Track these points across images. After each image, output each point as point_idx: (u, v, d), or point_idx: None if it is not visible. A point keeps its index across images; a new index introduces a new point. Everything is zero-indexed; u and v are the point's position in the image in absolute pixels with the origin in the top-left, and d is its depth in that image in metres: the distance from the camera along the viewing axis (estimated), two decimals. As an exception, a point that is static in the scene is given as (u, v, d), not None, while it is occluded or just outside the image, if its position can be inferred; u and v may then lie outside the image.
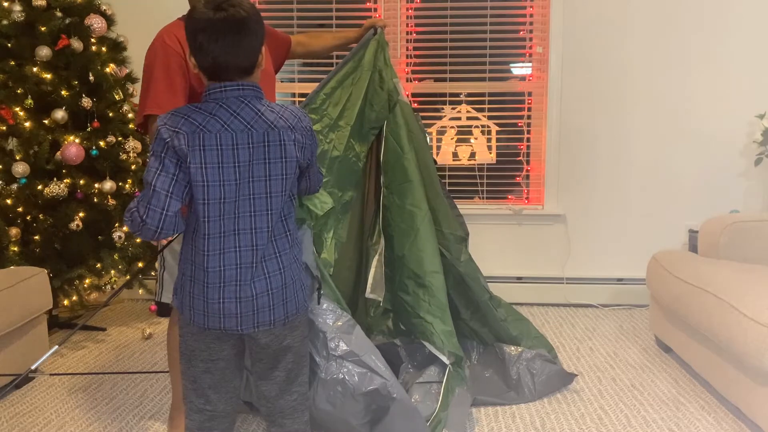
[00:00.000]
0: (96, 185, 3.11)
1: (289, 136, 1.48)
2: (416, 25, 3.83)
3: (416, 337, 2.43)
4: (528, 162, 3.89)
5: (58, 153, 3.00)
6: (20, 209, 2.98)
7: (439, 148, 3.85)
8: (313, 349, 2.00)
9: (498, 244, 3.86)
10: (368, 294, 2.51)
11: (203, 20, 1.42)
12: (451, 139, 3.85)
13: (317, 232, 2.26)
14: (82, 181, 3.09)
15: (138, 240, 3.25)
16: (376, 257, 2.53)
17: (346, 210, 2.45)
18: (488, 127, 3.84)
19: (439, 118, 3.86)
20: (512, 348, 2.54)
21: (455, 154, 3.85)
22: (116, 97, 3.22)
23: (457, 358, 2.31)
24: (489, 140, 3.85)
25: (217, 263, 1.46)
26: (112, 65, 3.26)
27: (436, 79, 3.87)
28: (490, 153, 3.86)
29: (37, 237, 3.04)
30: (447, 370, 2.27)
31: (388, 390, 2.01)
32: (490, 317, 2.56)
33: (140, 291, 3.45)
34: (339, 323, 2.05)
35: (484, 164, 3.87)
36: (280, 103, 1.56)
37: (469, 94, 3.85)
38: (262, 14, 1.51)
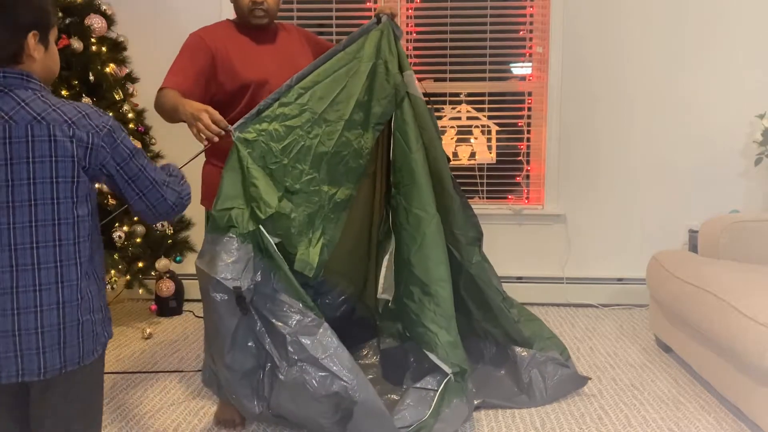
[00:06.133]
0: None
1: (65, 131, 1.26)
2: (416, 25, 3.83)
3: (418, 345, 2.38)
4: (528, 162, 3.89)
5: (58, 153, 2.99)
6: (20, 209, 2.97)
7: (439, 148, 3.85)
8: (274, 350, 1.97)
9: (498, 244, 3.86)
10: (380, 295, 2.45)
11: None
12: (451, 138, 3.84)
13: (296, 232, 2.13)
14: (82, 181, 3.08)
15: (138, 240, 3.25)
16: (387, 257, 2.45)
17: (341, 208, 2.32)
18: (488, 127, 3.84)
19: (439, 118, 3.86)
20: (524, 351, 2.49)
21: (455, 154, 3.85)
22: (116, 97, 3.21)
23: (461, 369, 2.21)
24: (489, 140, 3.85)
25: None
26: (112, 65, 3.25)
27: (436, 79, 3.87)
28: (490, 153, 3.86)
29: (37, 237, 3.03)
30: (446, 379, 2.19)
31: (349, 393, 1.94)
32: (503, 319, 2.50)
33: (140, 291, 3.45)
34: (301, 324, 1.98)
35: (484, 164, 3.87)
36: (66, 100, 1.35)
37: (469, 94, 3.85)
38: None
